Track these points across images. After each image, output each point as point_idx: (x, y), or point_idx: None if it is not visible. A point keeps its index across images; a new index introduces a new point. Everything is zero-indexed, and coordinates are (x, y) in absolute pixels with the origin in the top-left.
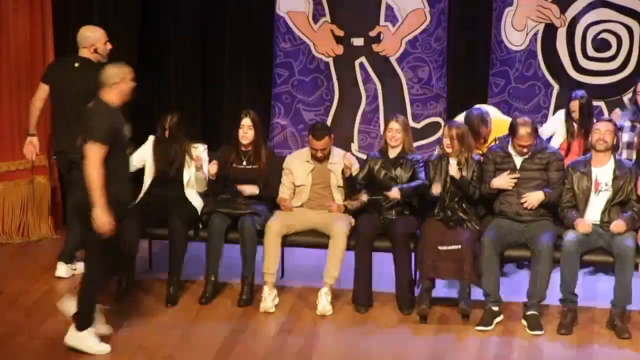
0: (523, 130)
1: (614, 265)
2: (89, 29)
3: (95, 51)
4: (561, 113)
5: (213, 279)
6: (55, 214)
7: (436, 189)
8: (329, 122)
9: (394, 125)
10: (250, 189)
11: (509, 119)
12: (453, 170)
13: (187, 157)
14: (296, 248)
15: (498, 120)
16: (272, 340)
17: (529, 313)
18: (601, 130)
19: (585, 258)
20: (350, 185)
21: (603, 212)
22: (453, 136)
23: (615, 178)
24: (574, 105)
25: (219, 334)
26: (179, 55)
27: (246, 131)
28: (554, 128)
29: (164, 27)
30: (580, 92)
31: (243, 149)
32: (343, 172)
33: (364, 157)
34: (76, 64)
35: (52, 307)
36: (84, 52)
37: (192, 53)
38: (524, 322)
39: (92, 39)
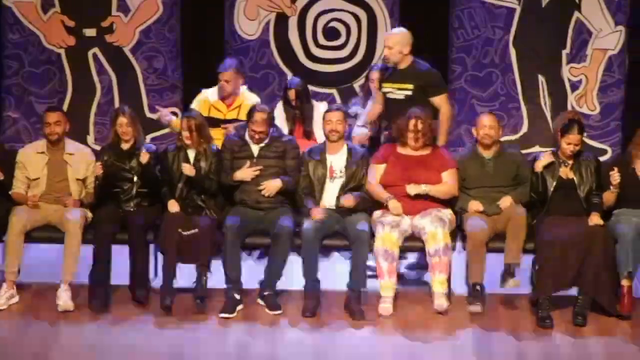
0: (258, 116)
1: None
2: None
3: None
4: (280, 103)
5: None
6: None
7: (189, 170)
8: None
9: (122, 119)
10: None
11: None
12: (187, 169)
13: None
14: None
15: None
16: (6, 340)
17: (266, 294)
18: (332, 121)
19: (325, 243)
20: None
21: (338, 198)
22: (191, 127)
23: (348, 165)
24: (292, 93)
25: None
26: None
27: None
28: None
29: None
30: (296, 80)
31: None
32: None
33: (99, 148)
34: None
35: None
36: None
37: None
38: (261, 302)
39: None
